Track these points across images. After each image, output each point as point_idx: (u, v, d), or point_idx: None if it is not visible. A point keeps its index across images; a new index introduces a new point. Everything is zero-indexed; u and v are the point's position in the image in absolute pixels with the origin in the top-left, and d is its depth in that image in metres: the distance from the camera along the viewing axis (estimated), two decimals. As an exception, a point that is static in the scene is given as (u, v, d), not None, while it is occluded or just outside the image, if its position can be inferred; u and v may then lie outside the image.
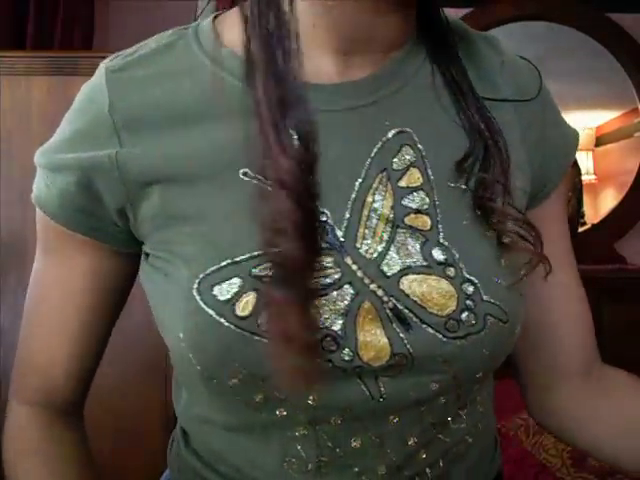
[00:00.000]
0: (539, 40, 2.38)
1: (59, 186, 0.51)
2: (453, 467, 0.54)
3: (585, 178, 2.53)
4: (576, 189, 2.41)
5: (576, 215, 2.44)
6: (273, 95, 0.41)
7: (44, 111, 1.54)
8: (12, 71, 1.56)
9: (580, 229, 2.46)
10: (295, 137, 0.41)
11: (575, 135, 0.60)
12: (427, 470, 0.52)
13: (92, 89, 0.51)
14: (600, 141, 2.60)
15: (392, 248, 0.47)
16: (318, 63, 0.50)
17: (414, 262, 0.47)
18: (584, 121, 2.57)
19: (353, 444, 0.50)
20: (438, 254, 0.48)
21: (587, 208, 2.57)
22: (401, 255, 0.47)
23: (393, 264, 0.47)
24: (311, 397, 0.48)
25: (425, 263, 0.47)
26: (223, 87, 0.49)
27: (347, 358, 0.46)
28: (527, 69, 0.57)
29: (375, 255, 0.47)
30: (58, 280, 0.56)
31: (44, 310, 0.58)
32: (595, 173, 2.60)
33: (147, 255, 0.52)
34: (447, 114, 0.52)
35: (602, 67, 2.45)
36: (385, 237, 0.48)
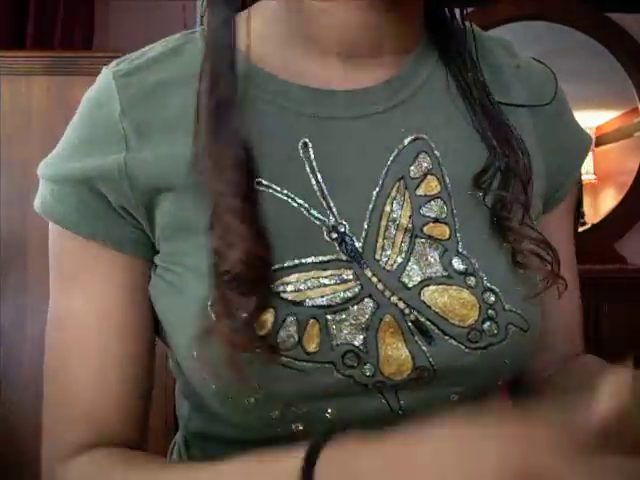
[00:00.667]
0: (539, 40, 2.38)
1: (69, 195, 0.48)
2: None
3: (585, 178, 2.53)
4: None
5: (576, 215, 2.44)
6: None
7: (44, 111, 1.54)
8: (12, 71, 1.56)
9: (580, 229, 2.46)
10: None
11: (588, 140, 0.59)
12: None
13: (100, 94, 0.49)
14: (600, 141, 2.60)
15: (412, 259, 0.46)
16: (327, 69, 0.49)
17: (434, 273, 0.46)
18: (584, 121, 2.55)
19: None
20: (458, 264, 0.47)
21: (587, 208, 2.57)
22: (421, 266, 0.46)
23: (414, 275, 0.46)
24: (329, 410, 0.46)
25: (445, 273, 0.46)
26: None
27: (369, 373, 0.45)
28: (543, 72, 0.56)
29: (395, 267, 0.46)
30: (86, 307, 0.49)
31: (75, 347, 0.50)
32: (595, 173, 2.60)
33: (156, 267, 0.49)
34: (464, 120, 0.51)
35: (602, 67, 2.45)
36: (404, 247, 0.46)
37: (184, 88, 0.47)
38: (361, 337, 0.45)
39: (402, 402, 0.47)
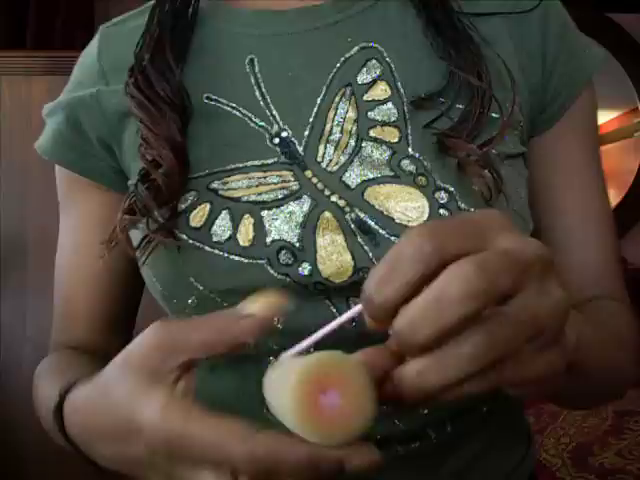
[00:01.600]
0: (539, 40, 2.38)
1: (53, 127, 0.56)
2: (463, 438, 0.50)
3: (585, 178, 2.52)
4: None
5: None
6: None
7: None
8: (12, 71, 1.56)
9: (580, 229, 2.46)
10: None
11: (593, 53, 0.54)
12: (430, 432, 0.48)
13: (89, 45, 0.58)
14: (600, 141, 2.60)
15: (356, 160, 0.46)
16: None
17: (380, 173, 0.45)
18: (584, 121, 2.57)
19: None
20: (407, 165, 0.45)
21: (587, 208, 2.56)
22: (365, 166, 0.46)
23: (356, 175, 0.46)
24: (276, 319, 0.45)
25: (392, 174, 0.45)
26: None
27: (306, 272, 0.44)
28: None
29: (337, 167, 0.46)
30: (74, 228, 0.58)
31: (65, 262, 0.60)
32: (595, 173, 2.60)
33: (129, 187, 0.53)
34: (423, 37, 0.49)
35: (602, 67, 2.45)
36: (349, 150, 0.46)
37: None
38: (297, 233, 0.44)
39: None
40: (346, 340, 0.43)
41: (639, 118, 2.50)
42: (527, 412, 0.64)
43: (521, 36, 0.51)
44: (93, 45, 0.57)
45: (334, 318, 0.43)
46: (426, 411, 0.47)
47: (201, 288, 0.45)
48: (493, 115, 0.47)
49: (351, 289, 0.44)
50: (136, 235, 0.49)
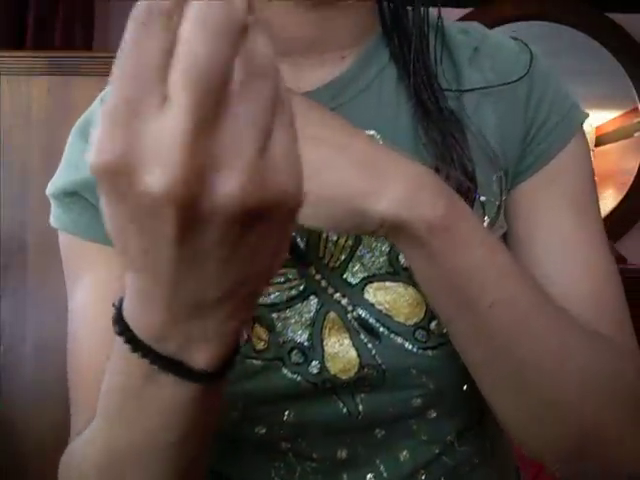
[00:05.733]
0: (539, 40, 2.37)
1: (68, 206, 0.53)
2: None
3: (585, 178, 2.52)
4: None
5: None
6: None
7: (44, 111, 1.54)
8: (12, 71, 1.55)
9: (580, 229, 2.46)
10: None
11: (572, 115, 0.53)
12: None
13: (87, 116, 0.55)
14: (600, 141, 2.60)
15: (356, 255, 0.46)
16: None
17: (379, 269, 0.46)
18: (584, 121, 2.57)
19: (339, 455, 0.49)
20: (404, 260, 0.46)
21: (587, 208, 2.56)
22: (365, 262, 0.46)
23: (357, 272, 0.46)
24: (286, 413, 0.47)
25: (391, 269, 0.46)
26: None
27: (315, 371, 0.46)
28: (512, 51, 0.53)
29: (338, 264, 0.46)
30: (97, 294, 0.51)
31: (86, 331, 0.52)
32: (595, 173, 2.60)
33: None
34: (411, 123, 0.49)
35: (602, 67, 2.45)
36: (349, 243, 0.46)
37: None
38: (306, 334, 0.46)
39: (361, 406, 0.47)
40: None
41: (639, 118, 2.50)
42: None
43: (505, 106, 0.51)
44: (91, 118, 0.54)
45: (341, 412, 0.46)
46: (424, 476, 0.49)
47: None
48: (482, 199, 0.48)
49: (356, 384, 0.46)
50: None
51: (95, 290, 0.51)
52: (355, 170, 0.37)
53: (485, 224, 0.48)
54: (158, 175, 0.21)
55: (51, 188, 0.55)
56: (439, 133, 0.47)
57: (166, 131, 0.21)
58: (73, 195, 0.52)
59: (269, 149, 0.23)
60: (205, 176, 0.21)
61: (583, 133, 0.53)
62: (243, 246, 0.24)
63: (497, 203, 0.48)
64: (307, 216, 0.35)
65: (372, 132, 0.48)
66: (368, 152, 0.38)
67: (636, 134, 2.50)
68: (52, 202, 0.55)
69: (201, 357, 0.29)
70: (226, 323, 0.28)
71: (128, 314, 0.29)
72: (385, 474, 0.49)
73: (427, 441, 0.49)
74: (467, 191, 0.46)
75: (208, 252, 0.24)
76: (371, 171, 0.37)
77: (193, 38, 0.21)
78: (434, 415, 0.49)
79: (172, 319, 0.27)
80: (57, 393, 1.58)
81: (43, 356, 1.52)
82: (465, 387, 0.48)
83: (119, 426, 0.36)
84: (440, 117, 0.48)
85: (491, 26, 2.18)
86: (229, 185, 0.21)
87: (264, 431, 0.48)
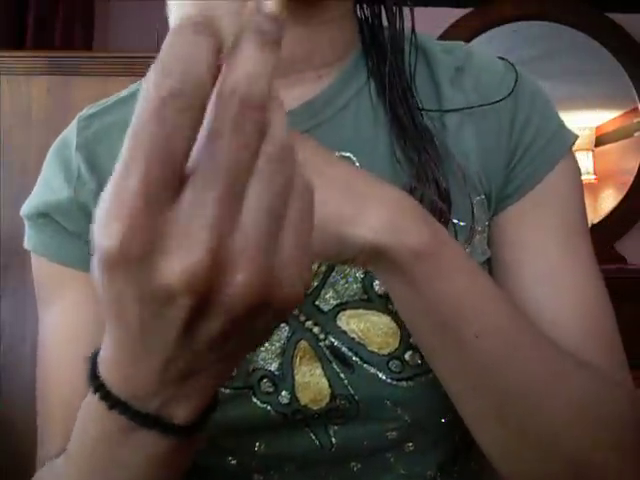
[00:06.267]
0: (539, 40, 2.38)
1: (39, 227, 0.53)
2: None
3: (585, 178, 2.52)
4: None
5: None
6: None
7: (44, 111, 1.54)
8: (12, 71, 1.55)
9: (580, 229, 2.46)
10: None
11: (559, 138, 0.51)
12: None
13: (64, 136, 0.54)
14: (600, 141, 2.60)
15: (329, 282, 0.45)
16: None
17: (352, 296, 0.45)
18: (584, 121, 2.56)
19: None
20: (379, 287, 0.44)
21: (587, 208, 2.56)
22: (338, 289, 0.45)
23: (329, 299, 0.45)
24: (257, 444, 0.46)
25: (365, 297, 0.44)
26: None
27: (285, 401, 0.44)
28: (496, 71, 0.51)
29: (310, 290, 0.45)
30: (66, 319, 0.51)
31: (55, 358, 0.51)
32: (595, 173, 2.59)
33: None
34: (389, 142, 0.47)
35: (602, 67, 2.44)
36: (322, 269, 0.45)
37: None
38: (277, 362, 0.45)
39: (334, 438, 0.46)
40: None
41: (639, 118, 2.50)
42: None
43: (488, 128, 0.49)
44: (70, 138, 0.53)
45: (313, 444, 0.45)
46: None
47: None
48: (461, 224, 0.46)
49: (328, 416, 0.45)
50: None
51: (64, 315, 0.51)
52: (334, 193, 0.35)
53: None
54: (178, 265, 0.21)
55: (25, 208, 0.55)
56: (415, 150, 0.46)
57: (191, 221, 0.21)
58: (45, 217, 0.52)
59: (282, 241, 0.23)
60: (221, 268, 0.21)
61: (572, 155, 0.51)
62: (243, 332, 0.24)
63: (475, 227, 0.47)
64: None
65: (348, 154, 0.47)
66: (346, 176, 0.36)
67: (636, 134, 2.50)
68: (25, 223, 0.55)
69: (182, 413, 0.28)
70: (211, 382, 0.28)
71: (106, 371, 0.28)
72: None
73: (406, 475, 0.48)
74: (440, 212, 0.44)
75: (209, 335, 0.24)
76: (351, 195, 0.35)
77: (218, 133, 0.21)
78: (412, 448, 0.48)
79: (159, 384, 0.27)
80: (57, 393, 1.58)
81: (43, 356, 1.52)
82: (444, 420, 0.47)
83: (90, 474, 0.34)
84: (416, 134, 0.46)
85: (491, 26, 2.19)
86: (241, 280, 0.22)
87: (235, 462, 0.47)
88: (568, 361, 0.42)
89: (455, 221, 0.46)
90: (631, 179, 2.48)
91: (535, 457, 0.41)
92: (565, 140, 0.51)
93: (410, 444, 0.47)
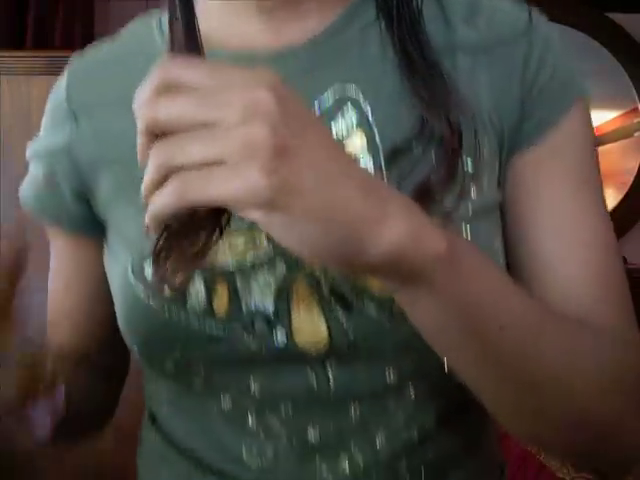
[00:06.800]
0: (539, 40, 2.38)
1: (32, 174, 0.56)
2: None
3: (585, 178, 2.52)
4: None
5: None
6: None
7: (44, 111, 1.54)
8: (12, 71, 1.56)
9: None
10: None
11: (576, 83, 0.50)
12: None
13: (57, 83, 0.55)
14: (600, 141, 2.60)
15: None
16: (250, 29, 0.47)
17: None
18: (584, 121, 2.57)
19: (311, 435, 0.47)
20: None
21: (587, 208, 2.56)
22: None
23: None
24: (252, 383, 0.46)
25: None
26: None
27: (280, 341, 0.44)
28: (510, 11, 0.50)
29: None
30: (59, 268, 0.58)
31: (51, 296, 0.60)
32: (595, 173, 2.60)
33: (106, 239, 0.53)
34: (397, 78, 0.46)
35: (602, 67, 2.44)
36: None
37: (127, 63, 0.51)
38: (271, 301, 0.44)
39: (332, 379, 0.45)
40: None
41: (639, 118, 2.50)
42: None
43: (501, 67, 0.48)
44: (62, 84, 0.54)
45: (309, 383, 0.45)
46: (404, 467, 0.48)
47: (178, 353, 0.46)
48: (468, 161, 0.46)
49: (326, 356, 0.44)
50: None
51: (60, 269, 0.58)
52: (359, 193, 0.32)
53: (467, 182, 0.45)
54: None
55: (28, 152, 0.59)
56: (424, 86, 0.45)
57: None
58: (36, 165, 0.56)
59: None
60: None
61: (586, 103, 0.50)
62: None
63: (482, 165, 0.46)
64: (291, 237, 0.32)
65: (353, 86, 0.46)
66: (369, 178, 0.35)
67: (636, 134, 2.50)
68: (30, 167, 0.60)
69: None
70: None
71: None
72: (361, 462, 0.47)
73: (406, 424, 0.47)
74: (451, 147, 0.44)
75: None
76: (374, 197, 0.33)
77: None
78: (412, 396, 0.47)
79: None
80: (57, 393, 1.58)
81: (43, 356, 1.52)
82: (444, 367, 0.45)
83: None
84: (426, 70, 0.45)
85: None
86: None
87: (230, 404, 0.47)
88: (587, 336, 0.43)
89: (464, 157, 0.45)
90: (631, 179, 2.48)
91: (564, 432, 0.42)
92: (582, 88, 0.50)
93: (410, 391, 0.47)
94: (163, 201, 0.29)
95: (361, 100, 0.46)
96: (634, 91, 2.46)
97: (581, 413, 0.41)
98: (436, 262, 0.34)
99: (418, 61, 0.45)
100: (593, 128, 0.51)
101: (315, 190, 0.30)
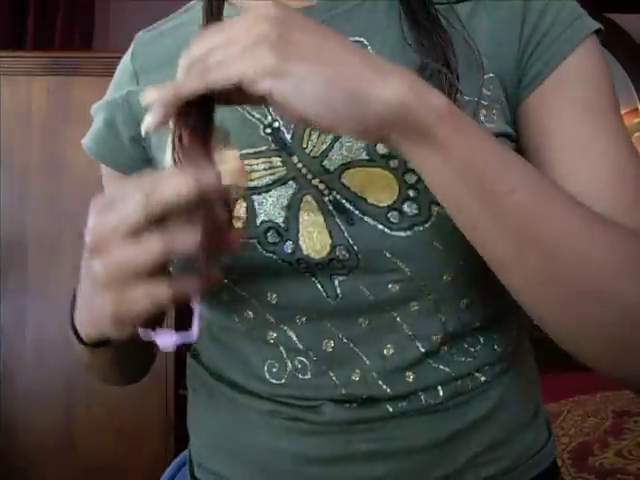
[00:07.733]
0: (539, 40, 2.38)
1: (95, 126, 0.61)
2: (458, 403, 0.50)
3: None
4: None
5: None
6: None
7: (44, 111, 1.54)
8: (12, 71, 1.56)
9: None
10: None
11: (581, 23, 0.50)
12: (421, 395, 0.50)
13: (127, 52, 0.62)
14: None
15: (336, 146, 0.49)
16: None
17: (355, 157, 0.48)
18: (584, 121, 2.57)
19: (325, 347, 0.51)
20: (381, 148, 0.48)
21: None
22: (344, 152, 0.49)
23: (335, 160, 0.49)
24: (270, 294, 0.50)
25: (367, 157, 0.48)
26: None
27: (289, 250, 0.48)
28: None
29: (319, 153, 0.49)
30: None
31: None
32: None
33: None
34: (400, 28, 0.51)
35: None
36: (330, 136, 0.49)
37: (185, 31, 0.58)
38: (282, 215, 0.49)
39: (338, 289, 0.49)
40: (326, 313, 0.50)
41: (639, 118, 2.50)
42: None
43: (502, 12, 0.51)
44: (129, 51, 0.62)
45: (319, 293, 0.50)
46: (411, 378, 0.50)
47: None
48: (466, 98, 0.48)
49: (330, 266, 0.48)
50: None
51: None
52: (359, 57, 0.38)
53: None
54: None
55: (92, 110, 0.63)
56: (425, 35, 0.49)
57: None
58: (102, 114, 0.61)
59: None
60: None
61: (595, 41, 0.51)
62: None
63: (480, 102, 0.49)
64: (300, 99, 0.36)
65: (361, 39, 0.51)
66: (366, 52, 0.40)
67: (636, 134, 2.50)
68: (94, 121, 0.63)
69: None
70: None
71: None
72: (372, 371, 0.50)
73: (412, 336, 0.50)
74: (450, 85, 0.46)
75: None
76: (372, 61, 0.38)
77: None
78: (417, 308, 0.50)
79: None
80: (57, 393, 1.58)
81: (43, 356, 1.52)
82: (445, 277, 0.48)
83: None
84: (428, 21, 0.50)
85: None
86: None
87: (252, 316, 0.51)
88: (601, 218, 0.43)
89: (467, 98, 0.48)
90: (631, 179, 2.49)
91: (586, 312, 0.41)
92: (586, 25, 0.50)
93: (414, 303, 0.49)
94: (190, 85, 0.36)
95: (369, 49, 0.50)
96: (634, 91, 2.47)
97: (601, 283, 0.40)
98: (438, 116, 0.38)
99: (420, 13, 0.50)
100: (606, 65, 0.51)
101: (316, 56, 0.36)
